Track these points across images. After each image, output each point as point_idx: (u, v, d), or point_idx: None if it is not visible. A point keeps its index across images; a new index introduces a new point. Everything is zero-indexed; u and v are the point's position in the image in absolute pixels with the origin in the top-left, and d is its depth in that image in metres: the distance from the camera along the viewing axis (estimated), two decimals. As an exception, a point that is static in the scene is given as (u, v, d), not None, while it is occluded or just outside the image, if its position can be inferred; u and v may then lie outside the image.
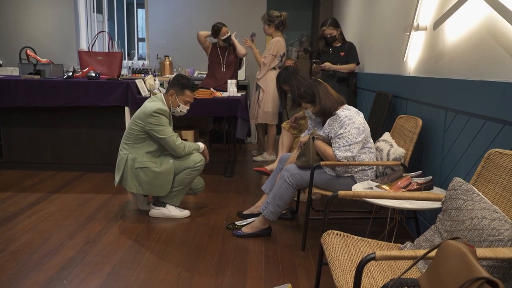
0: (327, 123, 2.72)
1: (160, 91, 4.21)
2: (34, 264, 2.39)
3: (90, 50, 4.65)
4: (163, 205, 3.13)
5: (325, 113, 2.74)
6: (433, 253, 1.19)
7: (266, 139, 5.10)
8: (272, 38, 4.78)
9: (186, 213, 3.16)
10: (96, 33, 6.85)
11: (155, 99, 3.11)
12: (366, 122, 2.71)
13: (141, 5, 6.93)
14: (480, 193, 1.62)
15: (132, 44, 7.34)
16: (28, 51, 4.58)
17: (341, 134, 2.59)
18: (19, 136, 4.28)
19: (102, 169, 4.28)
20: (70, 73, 4.26)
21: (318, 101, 2.74)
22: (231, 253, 2.57)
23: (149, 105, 3.01)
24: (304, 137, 2.88)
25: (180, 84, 3.09)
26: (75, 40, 6.53)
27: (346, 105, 2.77)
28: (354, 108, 2.77)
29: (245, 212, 3.17)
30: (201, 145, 3.20)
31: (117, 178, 3.05)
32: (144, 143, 3.02)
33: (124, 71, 5.92)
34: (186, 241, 2.72)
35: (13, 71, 4.92)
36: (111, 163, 4.20)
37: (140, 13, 7.56)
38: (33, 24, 6.41)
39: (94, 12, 6.86)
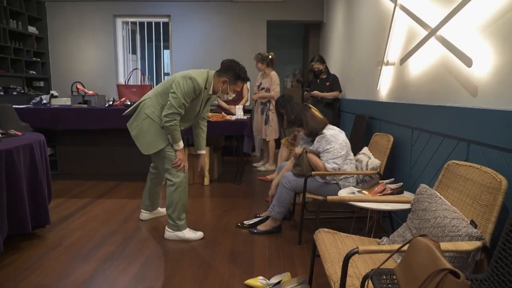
0: (316, 140, 2.73)
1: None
2: (83, 257, 2.38)
3: (126, 83, 4.68)
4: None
5: (313, 133, 2.76)
6: (405, 248, 1.19)
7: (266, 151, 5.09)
8: (265, 73, 4.77)
9: (199, 234, 2.67)
10: (131, 70, 6.93)
11: (203, 73, 2.56)
12: (347, 139, 2.71)
13: (166, 46, 7.02)
14: (442, 197, 1.61)
15: (159, 78, 7.39)
16: (78, 85, 4.63)
17: (327, 149, 2.60)
18: (70, 152, 4.31)
19: (135, 179, 4.29)
20: (111, 102, 4.30)
21: (305, 125, 2.76)
22: (240, 247, 2.56)
23: (192, 73, 2.52)
24: (298, 149, 2.88)
25: (236, 74, 2.57)
26: (115, 75, 6.60)
27: (330, 125, 2.78)
28: (337, 128, 2.77)
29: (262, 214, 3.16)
30: (180, 144, 2.59)
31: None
32: (165, 102, 2.54)
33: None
34: (204, 237, 2.71)
35: (66, 101, 4.96)
36: (142, 174, 4.22)
37: (166, 53, 7.64)
38: (82, 63, 6.50)
39: (129, 53, 6.94)
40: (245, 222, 2.92)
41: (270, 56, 4.71)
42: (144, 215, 3.05)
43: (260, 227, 2.80)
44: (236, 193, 3.88)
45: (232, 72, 2.57)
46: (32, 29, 6.02)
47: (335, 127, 2.76)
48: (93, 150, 4.29)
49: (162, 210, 3.10)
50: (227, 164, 5.33)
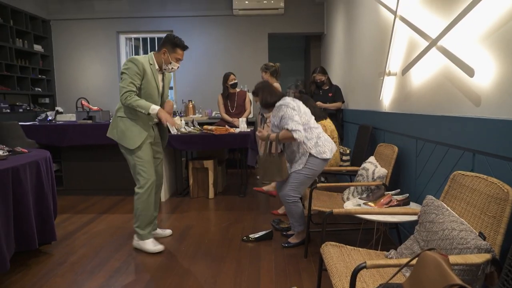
0: (271, 115, 2.78)
1: (186, 129, 4.25)
2: (88, 273, 2.37)
3: (130, 98, 4.71)
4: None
5: (267, 104, 2.78)
6: (414, 262, 1.17)
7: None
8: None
9: (159, 248, 2.67)
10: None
11: (145, 55, 2.68)
12: (303, 106, 2.72)
13: (169, 61, 7.08)
14: (448, 208, 1.60)
15: (163, 92, 7.45)
16: (83, 101, 4.67)
17: (282, 115, 2.62)
18: (75, 168, 4.32)
19: (141, 193, 4.28)
20: (115, 117, 4.32)
21: (259, 95, 2.80)
22: (246, 260, 2.53)
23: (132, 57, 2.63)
24: (264, 131, 2.82)
25: (172, 43, 2.64)
26: (119, 91, 6.65)
27: (285, 97, 2.76)
28: (290, 98, 2.75)
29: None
30: (153, 107, 2.55)
31: (109, 129, 2.73)
32: None
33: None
34: (209, 251, 2.69)
35: (71, 117, 5.00)
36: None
37: (169, 67, 7.72)
38: (86, 80, 6.57)
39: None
40: (250, 235, 2.89)
41: (274, 66, 4.74)
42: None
43: (292, 240, 2.78)
44: (240, 206, 3.86)
45: (169, 42, 2.66)
46: (37, 48, 6.11)
47: (287, 98, 2.75)
48: (97, 166, 4.30)
49: (160, 232, 2.99)
50: (231, 177, 5.32)
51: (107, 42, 6.50)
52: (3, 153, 2.59)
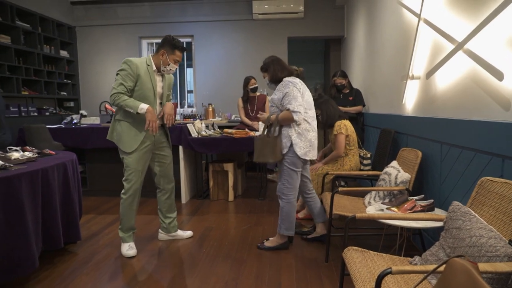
0: (276, 88, 2.72)
1: (206, 132, 4.30)
2: (112, 273, 2.43)
3: (152, 102, 4.80)
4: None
5: (275, 79, 2.74)
6: (441, 268, 1.15)
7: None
8: None
9: (132, 252, 2.70)
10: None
11: (142, 57, 2.71)
12: (309, 96, 2.71)
13: (189, 65, 7.19)
14: (476, 215, 1.56)
15: (183, 95, 7.56)
16: (106, 104, 4.79)
17: (287, 92, 2.58)
18: (99, 170, 4.43)
19: (162, 195, 4.35)
20: (138, 121, 4.41)
21: (269, 69, 2.77)
22: (267, 264, 2.54)
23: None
24: (263, 113, 2.86)
25: (171, 44, 2.64)
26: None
27: (294, 76, 2.71)
28: (300, 80, 2.72)
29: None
30: (141, 105, 2.53)
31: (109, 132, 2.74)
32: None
33: (177, 117, 6.09)
34: (230, 254, 2.71)
35: (94, 120, 5.14)
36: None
37: (189, 71, 7.83)
38: (109, 84, 6.73)
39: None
40: (270, 238, 2.89)
41: (297, 71, 4.74)
42: (160, 235, 3.04)
43: (267, 243, 2.78)
44: (260, 209, 3.87)
45: (168, 43, 2.64)
46: (63, 53, 6.32)
47: (297, 79, 2.71)
48: (120, 167, 4.38)
49: (181, 233, 3.04)
50: (250, 180, 5.34)
51: (129, 47, 6.65)
52: (33, 155, 2.68)
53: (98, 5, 6.59)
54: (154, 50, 7.07)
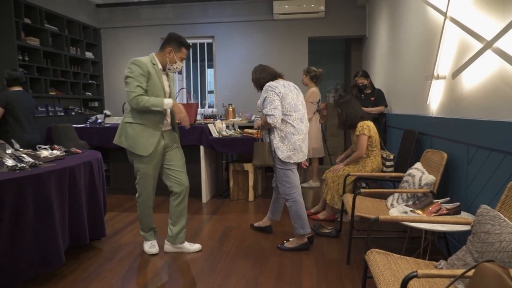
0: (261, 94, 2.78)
1: (227, 133, 4.32)
2: (135, 270, 2.48)
3: (174, 102, 4.87)
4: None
5: (259, 85, 2.86)
6: (470, 273, 1.12)
7: (309, 169, 5.03)
8: (309, 89, 4.79)
9: (154, 250, 2.73)
10: (178, 89, 7.22)
11: (146, 56, 2.58)
12: (294, 98, 2.72)
13: (210, 65, 7.26)
14: (506, 219, 1.51)
15: (204, 96, 7.64)
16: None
17: (266, 97, 2.66)
18: (121, 168, 4.53)
19: (182, 194, 4.40)
20: (160, 121, 4.48)
21: (254, 78, 2.92)
22: (287, 265, 2.53)
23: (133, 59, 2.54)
24: (257, 120, 2.94)
25: (178, 42, 2.54)
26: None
27: (279, 80, 2.80)
28: (283, 82, 2.78)
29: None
30: (166, 101, 2.47)
31: (116, 137, 2.63)
32: None
33: (198, 117, 6.15)
34: (250, 254, 2.72)
35: (118, 119, 5.26)
36: (190, 189, 4.34)
37: (210, 72, 7.90)
38: (132, 84, 6.87)
39: (176, 73, 7.25)
40: (291, 239, 2.89)
41: (316, 71, 4.73)
42: (166, 246, 2.79)
43: (287, 244, 2.79)
44: (280, 209, 3.85)
45: (174, 41, 2.55)
46: (89, 54, 6.50)
47: (281, 80, 2.80)
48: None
49: (188, 246, 2.79)
50: (270, 180, 5.31)
51: (152, 48, 6.72)
52: (61, 153, 2.77)
53: (122, 7, 6.74)
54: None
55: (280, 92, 2.66)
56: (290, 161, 2.71)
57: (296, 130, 2.70)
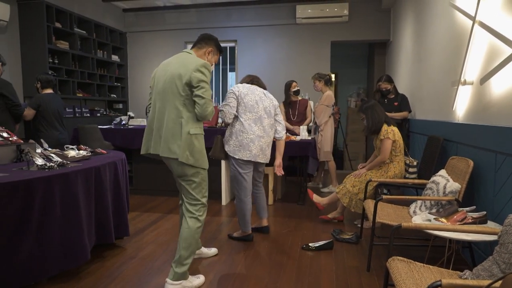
0: None
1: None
2: (156, 269, 2.52)
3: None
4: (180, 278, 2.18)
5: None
6: (496, 284, 1.09)
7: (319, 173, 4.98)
8: (323, 93, 4.75)
9: (202, 279, 2.32)
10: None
11: (190, 54, 2.24)
12: (258, 101, 2.90)
13: (232, 69, 7.34)
14: (536, 230, 1.46)
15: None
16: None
17: (226, 96, 2.92)
18: (143, 169, 4.63)
19: (203, 196, 4.46)
20: (182, 123, 4.56)
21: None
22: (306, 269, 2.52)
23: (193, 60, 2.16)
24: None
25: (217, 44, 2.35)
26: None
27: (252, 84, 3.01)
28: (248, 86, 2.97)
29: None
30: None
31: (177, 150, 2.10)
32: (192, 107, 2.15)
33: (220, 120, 6.20)
34: (269, 258, 2.72)
35: (141, 121, 5.39)
36: (210, 191, 4.38)
37: (230, 75, 7.99)
38: (155, 87, 7.03)
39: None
40: (310, 244, 2.88)
41: (327, 75, 4.72)
42: None
43: (235, 234, 3.10)
44: (300, 213, 3.85)
45: (213, 41, 2.34)
46: (115, 58, 6.69)
47: (246, 84, 2.99)
48: (163, 168, 4.52)
49: (206, 251, 2.73)
50: (289, 184, 5.33)
51: (176, 51, 6.78)
52: (87, 153, 2.87)
53: (147, 12, 6.91)
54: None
55: (238, 91, 2.89)
56: (235, 156, 2.88)
57: (245, 129, 2.87)
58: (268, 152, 3.01)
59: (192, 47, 2.35)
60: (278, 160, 3.10)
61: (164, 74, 2.22)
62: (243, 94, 2.88)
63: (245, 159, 2.87)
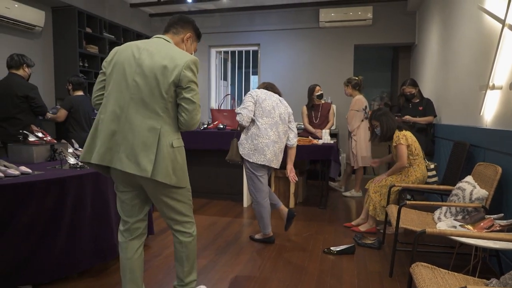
0: None
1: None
2: (180, 268, 2.58)
3: (219, 108, 5.02)
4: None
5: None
6: (524, 293, 1.08)
7: (343, 177, 4.95)
8: (353, 98, 4.72)
9: None
10: (221, 95, 7.43)
11: (170, 41, 1.83)
12: (274, 106, 2.93)
13: (254, 72, 7.40)
14: None
15: (247, 102, 7.78)
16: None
17: (243, 100, 2.95)
18: (168, 170, 4.72)
19: (224, 197, 4.51)
20: (205, 125, 4.64)
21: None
22: (328, 273, 2.52)
23: (179, 52, 1.74)
24: None
25: (196, 29, 1.93)
26: (207, 100, 7.14)
27: (266, 89, 3.04)
28: (265, 91, 3.01)
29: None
30: None
31: (148, 167, 1.65)
32: (175, 112, 1.77)
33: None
34: (290, 261, 2.74)
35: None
36: (230, 194, 4.43)
37: (254, 79, 8.05)
38: (179, 89, 7.17)
39: (221, 79, 7.47)
40: (332, 248, 2.87)
41: (357, 79, 4.68)
42: None
43: (257, 236, 3.13)
44: (321, 217, 3.84)
45: (191, 25, 1.91)
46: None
47: (263, 90, 3.02)
48: (188, 169, 4.64)
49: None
50: (310, 188, 5.31)
51: (200, 55, 7.02)
52: (116, 153, 2.97)
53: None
54: (222, 59, 7.42)
55: (257, 96, 2.94)
56: (250, 160, 2.90)
57: (261, 133, 2.89)
58: (281, 157, 3.03)
59: (166, 32, 1.89)
60: (290, 166, 3.09)
61: (135, 63, 1.70)
62: (261, 99, 2.92)
63: (259, 163, 2.90)
